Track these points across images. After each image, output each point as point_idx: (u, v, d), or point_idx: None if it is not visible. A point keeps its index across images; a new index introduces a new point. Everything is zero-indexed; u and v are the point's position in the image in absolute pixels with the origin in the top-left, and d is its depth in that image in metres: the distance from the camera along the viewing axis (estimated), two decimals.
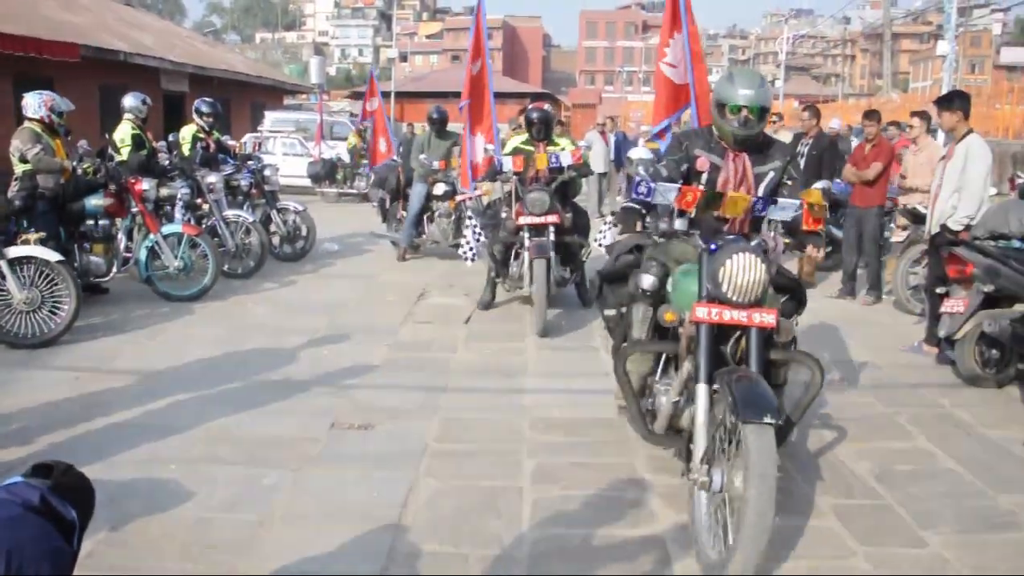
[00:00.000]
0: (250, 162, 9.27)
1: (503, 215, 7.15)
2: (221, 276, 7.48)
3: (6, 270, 5.69)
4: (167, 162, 8.43)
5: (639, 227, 3.71)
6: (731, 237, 3.33)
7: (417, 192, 9.38)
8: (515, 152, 7.04)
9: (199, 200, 7.97)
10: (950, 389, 5.24)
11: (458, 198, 8.96)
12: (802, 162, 8.41)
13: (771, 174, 3.68)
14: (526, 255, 6.61)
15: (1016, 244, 5.32)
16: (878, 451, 4.17)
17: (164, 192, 7.44)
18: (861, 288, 7.96)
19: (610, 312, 4.19)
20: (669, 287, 3.58)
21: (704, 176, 3.66)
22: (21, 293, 5.69)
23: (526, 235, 6.60)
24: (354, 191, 16.59)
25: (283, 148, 17.32)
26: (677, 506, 3.45)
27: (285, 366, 5.39)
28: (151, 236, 7.02)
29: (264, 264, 8.33)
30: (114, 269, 6.87)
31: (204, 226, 7.78)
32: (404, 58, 74.66)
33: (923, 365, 5.82)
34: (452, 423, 4.46)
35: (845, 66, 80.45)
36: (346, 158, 17.08)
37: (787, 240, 3.68)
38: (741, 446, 2.80)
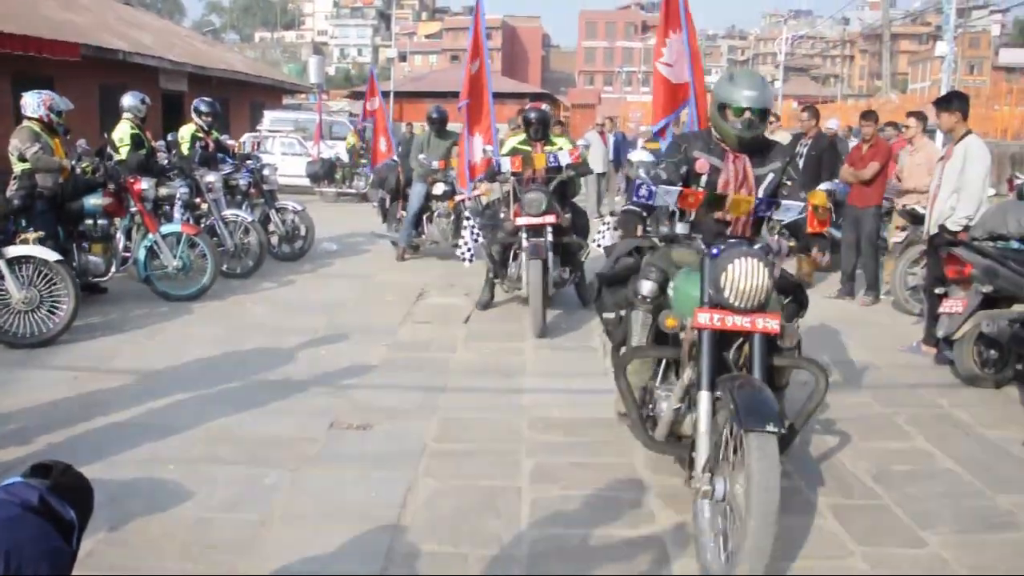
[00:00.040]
0: (249, 162, 9.28)
1: (501, 215, 7.15)
2: (220, 276, 7.48)
3: (5, 270, 5.68)
4: (166, 161, 8.42)
5: (640, 232, 3.69)
6: (733, 241, 3.30)
7: (416, 192, 9.38)
8: (513, 152, 7.04)
9: (198, 200, 7.97)
10: (948, 389, 5.25)
11: (457, 198, 8.96)
12: (801, 163, 8.42)
13: (771, 175, 3.66)
14: (524, 256, 6.61)
15: (1014, 245, 5.33)
16: (876, 451, 4.17)
17: (163, 191, 7.44)
18: (860, 288, 7.97)
19: (609, 315, 4.15)
20: (670, 292, 3.53)
21: (704, 178, 3.63)
22: (20, 293, 5.68)
23: (523, 236, 6.59)
24: (353, 191, 16.60)
25: (282, 148, 17.33)
26: (676, 506, 3.45)
27: (284, 366, 5.39)
28: (150, 236, 7.02)
29: (263, 264, 8.33)
30: (113, 269, 6.86)
31: (203, 226, 7.77)
32: (403, 58, 74.65)
33: (921, 365, 5.83)
34: (451, 423, 4.46)
35: (844, 67, 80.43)
36: (345, 158, 17.09)
37: (791, 243, 3.66)
38: (744, 454, 2.76)
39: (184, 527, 3.22)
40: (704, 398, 3.06)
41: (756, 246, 3.28)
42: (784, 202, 3.44)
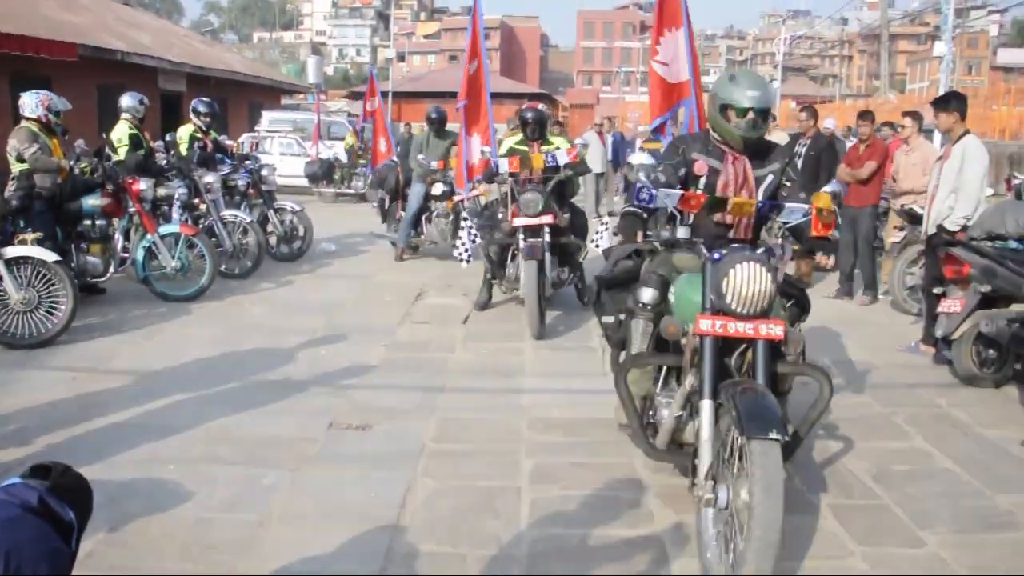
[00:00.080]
0: (247, 162, 9.27)
1: (499, 216, 7.14)
2: (218, 276, 7.47)
3: (3, 270, 5.68)
4: (164, 162, 8.42)
5: (640, 237, 3.66)
6: (735, 246, 3.26)
7: (415, 192, 9.37)
8: (510, 153, 7.02)
9: (196, 200, 7.96)
10: (947, 389, 5.26)
11: (455, 199, 8.96)
12: (799, 163, 8.43)
13: (770, 177, 3.63)
14: (520, 256, 6.59)
15: (1012, 244, 5.33)
16: (875, 451, 4.17)
17: (161, 192, 7.45)
18: (858, 288, 7.98)
19: (608, 319, 4.09)
20: (671, 297, 3.47)
21: (703, 180, 3.58)
22: (18, 293, 5.68)
23: (521, 236, 6.57)
24: (351, 191, 16.59)
25: (280, 148, 17.33)
26: (675, 506, 3.46)
27: (283, 366, 5.38)
28: (148, 236, 7.01)
29: (261, 264, 8.33)
30: (111, 269, 6.85)
31: (201, 226, 7.76)
32: (402, 58, 74.63)
33: (920, 365, 5.83)
34: (450, 423, 4.46)
35: (842, 67, 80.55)
36: (343, 158, 17.08)
37: (795, 247, 3.61)
38: (747, 462, 2.73)
39: (184, 527, 3.22)
40: (707, 406, 3.01)
41: (759, 250, 3.23)
42: (788, 204, 3.40)
